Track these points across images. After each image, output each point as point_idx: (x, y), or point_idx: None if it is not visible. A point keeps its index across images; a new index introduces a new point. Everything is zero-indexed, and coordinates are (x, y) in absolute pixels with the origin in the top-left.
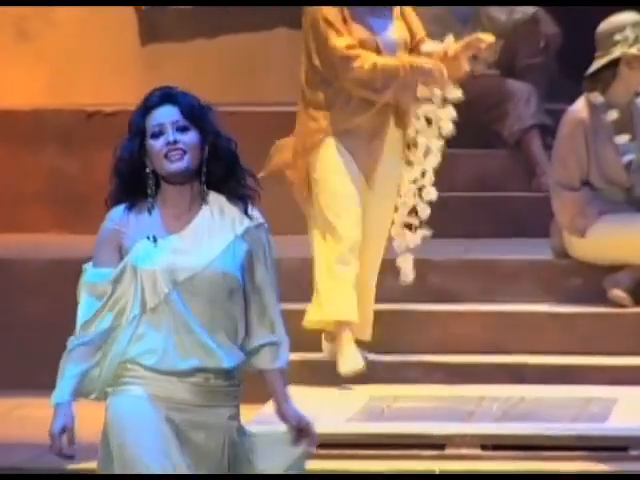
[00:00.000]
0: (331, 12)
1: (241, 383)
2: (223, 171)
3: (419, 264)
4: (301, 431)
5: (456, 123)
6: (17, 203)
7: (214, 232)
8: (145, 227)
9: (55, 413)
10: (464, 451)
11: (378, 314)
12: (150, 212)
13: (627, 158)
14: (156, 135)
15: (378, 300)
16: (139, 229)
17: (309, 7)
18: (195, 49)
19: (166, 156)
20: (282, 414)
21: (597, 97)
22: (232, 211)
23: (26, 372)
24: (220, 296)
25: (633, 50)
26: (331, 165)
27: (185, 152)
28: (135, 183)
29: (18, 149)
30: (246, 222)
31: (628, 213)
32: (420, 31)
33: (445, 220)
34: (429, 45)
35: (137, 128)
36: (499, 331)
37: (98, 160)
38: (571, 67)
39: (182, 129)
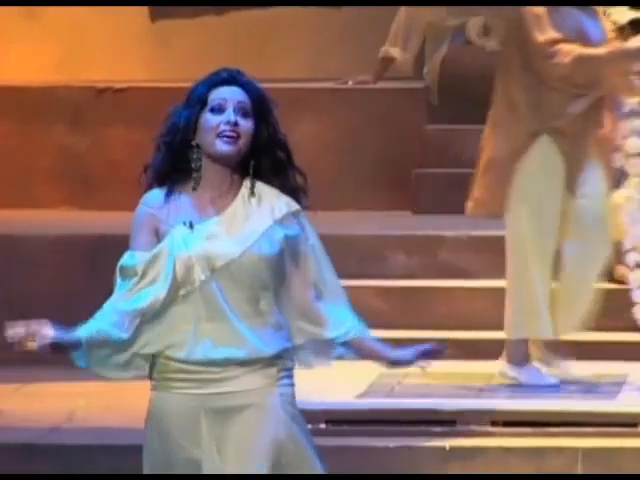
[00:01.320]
0: (540, 9)
1: (289, 370)
2: (273, 166)
3: (429, 240)
4: (425, 354)
5: (466, 99)
6: (27, 179)
7: (251, 218)
8: (181, 210)
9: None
10: (474, 427)
11: (388, 291)
12: (195, 189)
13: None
14: (215, 110)
15: (387, 277)
16: (175, 212)
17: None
18: (205, 25)
19: (219, 135)
20: (397, 363)
21: None
22: (271, 198)
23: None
24: (258, 283)
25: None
26: (538, 169)
27: (239, 137)
28: (181, 154)
29: (28, 125)
30: (285, 209)
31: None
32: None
33: (454, 196)
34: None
35: (198, 98)
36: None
37: (108, 136)
38: None
39: (244, 113)
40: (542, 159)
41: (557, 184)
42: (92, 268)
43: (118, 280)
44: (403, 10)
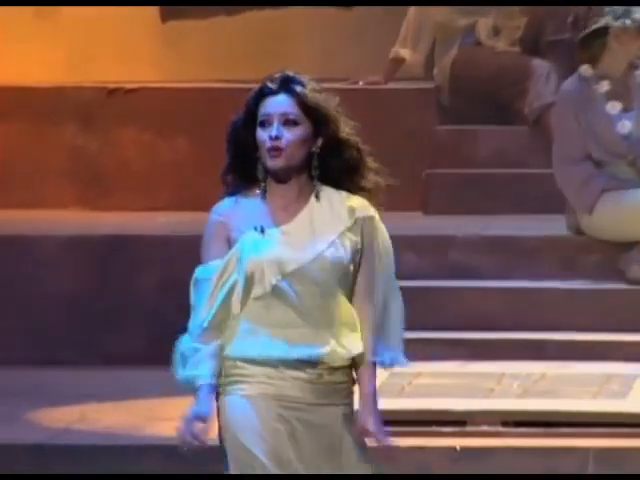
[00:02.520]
0: None
1: (354, 380)
2: (342, 165)
3: (439, 241)
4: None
5: (476, 99)
6: (38, 180)
7: (323, 223)
8: (252, 217)
9: (196, 397)
10: (485, 428)
11: None
12: (262, 197)
13: (622, 127)
14: (263, 124)
15: (398, 277)
16: (246, 220)
17: None
18: (215, 26)
19: (268, 151)
20: (361, 422)
21: (586, 69)
22: (342, 203)
23: (45, 349)
24: (331, 288)
25: (617, 23)
26: None
27: (284, 149)
28: (245, 163)
29: (39, 126)
30: (356, 213)
31: (634, 189)
32: None
33: (465, 196)
34: None
35: (249, 112)
36: (519, 308)
37: (118, 136)
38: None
39: (291, 123)
40: None
41: None
42: (103, 269)
43: (194, 295)
44: (413, 11)
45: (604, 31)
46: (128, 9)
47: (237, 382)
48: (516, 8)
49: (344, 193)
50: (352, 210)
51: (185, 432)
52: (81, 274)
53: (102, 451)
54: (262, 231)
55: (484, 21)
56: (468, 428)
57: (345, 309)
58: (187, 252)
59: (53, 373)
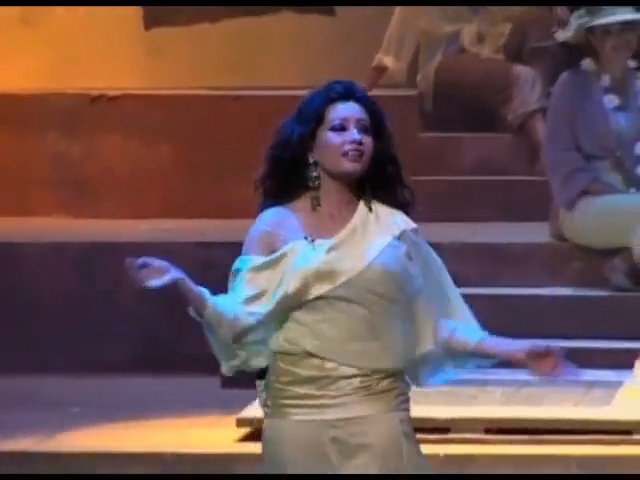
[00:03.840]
0: None
1: (407, 394)
2: (384, 181)
3: None
4: (540, 356)
5: (460, 106)
6: (21, 187)
7: (371, 234)
8: (299, 228)
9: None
10: (468, 435)
11: None
12: (315, 206)
13: (616, 123)
14: (337, 129)
15: None
16: (293, 230)
17: None
18: (199, 33)
19: (345, 154)
20: (511, 356)
21: (589, 63)
22: (387, 214)
23: (30, 355)
24: (380, 299)
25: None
26: None
27: (363, 154)
28: (293, 170)
29: (22, 133)
30: (403, 225)
31: (617, 195)
32: None
33: (449, 204)
34: None
35: (314, 114)
36: (503, 315)
37: (102, 144)
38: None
39: (364, 130)
40: None
41: None
42: (87, 276)
43: (230, 285)
44: (396, 18)
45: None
46: (112, 16)
47: (286, 406)
48: (500, 15)
49: (388, 206)
50: (398, 222)
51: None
52: (65, 281)
53: (86, 458)
54: (312, 241)
55: (468, 28)
56: (451, 435)
57: (395, 321)
58: (170, 259)
59: (37, 380)
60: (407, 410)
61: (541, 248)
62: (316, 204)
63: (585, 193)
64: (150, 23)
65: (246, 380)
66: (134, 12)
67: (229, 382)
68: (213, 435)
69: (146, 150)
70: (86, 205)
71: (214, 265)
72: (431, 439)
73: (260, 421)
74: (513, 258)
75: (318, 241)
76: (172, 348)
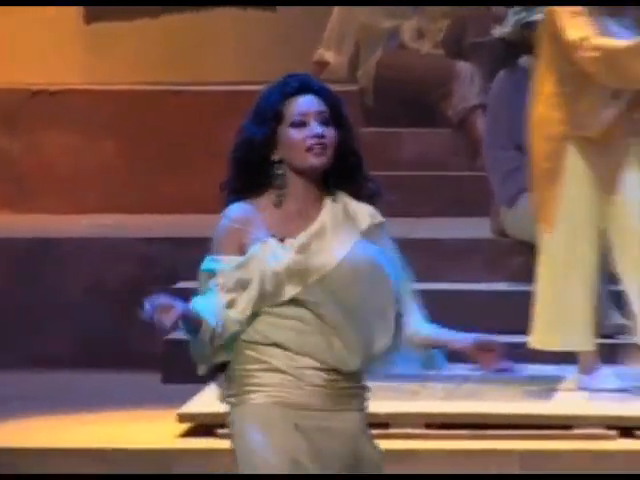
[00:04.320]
0: (578, 8)
1: (368, 388)
2: (349, 171)
3: None
4: (484, 348)
5: (401, 102)
6: None
7: (339, 230)
8: (267, 224)
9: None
10: (409, 430)
11: None
12: (279, 205)
13: None
14: (297, 124)
15: None
16: (261, 227)
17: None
18: (139, 28)
19: (309, 149)
20: (457, 345)
21: (527, 60)
22: (354, 209)
23: None
24: (353, 296)
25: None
26: (569, 177)
27: (327, 147)
28: (258, 170)
29: None
30: (369, 219)
31: None
32: None
33: (389, 199)
34: None
35: (273, 112)
36: (444, 310)
37: (43, 139)
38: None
39: (325, 122)
40: (571, 166)
41: (589, 191)
42: (27, 271)
43: (204, 284)
44: (336, 13)
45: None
46: (53, 11)
47: (253, 392)
48: (439, 11)
49: (354, 199)
50: (364, 216)
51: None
52: (5, 277)
53: (24, 453)
54: (281, 239)
55: (408, 24)
56: (392, 430)
57: (366, 319)
58: (111, 255)
59: None
60: (366, 409)
61: (482, 243)
62: (281, 202)
63: (525, 190)
64: (91, 18)
65: (186, 376)
66: (75, 7)
67: (169, 377)
68: (154, 430)
69: (88, 145)
70: (27, 200)
71: (156, 261)
72: (372, 434)
73: (202, 416)
74: (453, 253)
75: (288, 239)
76: (113, 344)
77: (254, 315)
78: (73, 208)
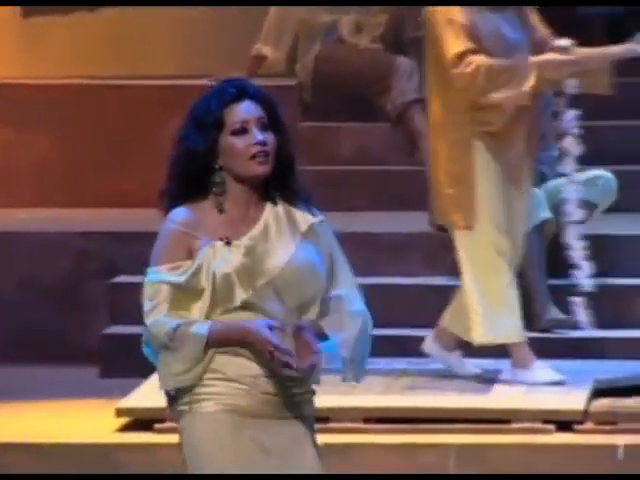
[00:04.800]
0: (456, 14)
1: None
2: (285, 174)
3: None
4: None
5: (339, 96)
6: None
7: (282, 233)
8: (213, 228)
9: (225, 331)
10: (348, 424)
11: None
12: (220, 211)
13: None
14: (238, 132)
15: None
16: (207, 230)
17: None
18: (77, 22)
19: (253, 157)
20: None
21: None
22: (294, 211)
23: None
24: (300, 297)
25: None
26: (482, 172)
27: (269, 154)
28: (200, 178)
29: None
30: (310, 219)
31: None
32: (542, 28)
33: (327, 193)
34: (563, 41)
35: (213, 120)
36: (382, 304)
37: None
38: None
39: (265, 128)
40: (480, 163)
41: (501, 185)
42: None
43: (146, 302)
44: (274, 8)
45: None
46: None
47: (204, 400)
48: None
49: (291, 201)
50: (304, 217)
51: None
52: None
53: None
54: (228, 243)
55: (346, 18)
56: (331, 424)
57: (313, 321)
58: (47, 249)
59: None
60: (312, 416)
61: (419, 237)
62: (221, 208)
63: None
64: (28, 12)
65: (124, 370)
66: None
67: (107, 372)
68: (92, 425)
69: (24, 139)
70: None
71: (93, 255)
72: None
73: (140, 411)
74: (391, 247)
75: (234, 242)
76: (51, 337)
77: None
78: (9, 202)
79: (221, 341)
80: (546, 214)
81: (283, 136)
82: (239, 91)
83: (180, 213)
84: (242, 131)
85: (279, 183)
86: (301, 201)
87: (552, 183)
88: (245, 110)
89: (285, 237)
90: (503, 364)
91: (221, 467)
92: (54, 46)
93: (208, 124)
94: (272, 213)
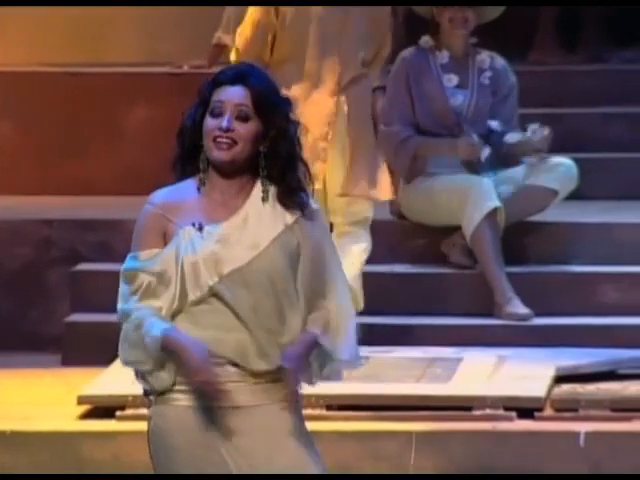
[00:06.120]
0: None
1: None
2: (281, 169)
3: None
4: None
5: None
6: None
7: (264, 221)
8: (191, 212)
9: (174, 342)
10: (310, 411)
11: None
12: (199, 190)
13: (455, 101)
14: (215, 113)
15: None
16: (185, 214)
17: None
18: (37, 9)
19: (214, 140)
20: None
21: (427, 41)
22: (283, 204)
23: None
24: (271, 290)
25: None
26: None
27: (235, 143)
28: (191, 155)
29: None
30: (298, 211)
31: (451, 175)
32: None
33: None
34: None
35: (203, 98)
36: None
37: None
38: (418, 30)
39: (243, 117)
40: None
41: None
42: None
43: (123, 285)
44: None
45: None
46: None
47: (172, 391)
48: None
49: (282, 190)
50: (294, 207)
51: (205, 378)
52: None
53: None
54: (200, 229)
55: None
56: None
57: (292, 314)
58: (10, 236)
59: None
60: (297, 401)
61: (381, 225)
62: (201, 186)
63: (423, 172)
64: None
65: (86, 358)
66: None
67: (69, 360)
68: (54, 413)
69: None
70: None
71: (55, 242)
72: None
73: (102, 398)
74: None
75: (207, 228)
76: (12, 325)
77: (174, 316)
78: None
79: (169, 349)
80: (495, 203)
81: (277, 130)
82: (237, 75)
83: (159, 195)
84: (218, 112)
85: (271, 172)
86: (295, 198)
87: (513, 171)
88: (228, 93)
89: (264, 229)
90: (466, 351)
91: (189, 460)
92: (14, 33)
93: (199, 101)
94: (256, 202)
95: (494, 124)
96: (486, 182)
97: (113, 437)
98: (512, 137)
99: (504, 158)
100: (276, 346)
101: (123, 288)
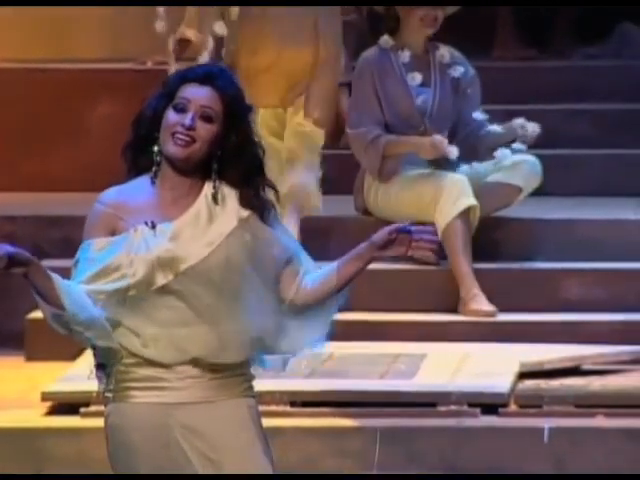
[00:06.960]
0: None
1: (252, 382)
2: (239, 176)
3: None
4: (393, 240)
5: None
6: None
7: (215, 218)
8: (142, 210)
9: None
10: (274, 408)
11: None
12: (153, 182)
13: (419, 100)
14: (178, 109)
15: None
16: (135, 212)
17: None
18: (1, 5)
19: (173, 135)
20: (367, 255)
21: (387, 40)
22: (234, 197)
23: None
24: (229, 285)
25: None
26: None
27: (194, 141)
28: (145, 146)
29: None
30: (249, 208)
31: (416, 172)
32: None
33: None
34: None
35: (168, 91)
36: None
37: None
38: (381, 26)
39: (206, 118)
40: None
41: None
42: None
43: (75, 272)
44: None
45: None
46: None
47: (131, 388)
48: None
49: (234, 188)
50: (246, 203)
51: None
52: None
53: None
54: (153, 227)
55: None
56: None
57: (246, 309)
58: None
59: None
60: (253, 397)
61: (347, 221)
62: (154, 179)
63: (397, 173)
64: None
65: (50, 354)
66: None
67: (33, 356)
68: (18, 409)
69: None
70: None
71: (18, 239)
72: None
73: (66, 395)
74: (318, 231)
75: (159, 226)
76: None
77: (128, 309)
78: None
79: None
80: (471, 200)
81: (238, 134)
82: (206, 76)
83: (109, 193)
84: (181, 108)
85: (225, 173)
86: (254, 201)
87: (477, 167)
88: (195, 92)
89: (217, 225)
90: (427, 348)
91: (149, 458)
92: None
93: (164, 93)
94: (208, 200)
95: (477, 114)
96: (462, 179)
97: (77, 434)
98: (500, 126)
99: (483, 151)
100: (239, 339)
101: (75, 265)
